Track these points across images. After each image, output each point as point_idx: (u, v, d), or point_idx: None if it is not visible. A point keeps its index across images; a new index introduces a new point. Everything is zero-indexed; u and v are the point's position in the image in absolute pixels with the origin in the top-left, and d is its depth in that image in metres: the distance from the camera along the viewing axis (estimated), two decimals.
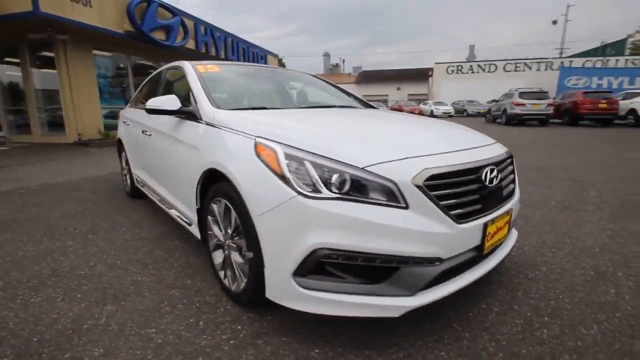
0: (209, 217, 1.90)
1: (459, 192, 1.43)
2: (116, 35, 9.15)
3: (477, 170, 1.52)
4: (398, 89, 36.05)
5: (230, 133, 1.74)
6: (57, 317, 1.70)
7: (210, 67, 2.58)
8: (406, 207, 1.32)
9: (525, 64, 26.08)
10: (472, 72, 26.51)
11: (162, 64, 11.57)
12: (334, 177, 1.33)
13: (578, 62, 25.48)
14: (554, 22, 38.29)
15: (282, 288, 1.43)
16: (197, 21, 11.86)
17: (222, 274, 1.89)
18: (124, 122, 3.71)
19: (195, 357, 1.41)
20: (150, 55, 11.26)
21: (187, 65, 2.56)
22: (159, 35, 10.20)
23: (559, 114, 15.38)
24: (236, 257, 1.71)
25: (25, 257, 2.41)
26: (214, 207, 1.82)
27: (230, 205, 1.65)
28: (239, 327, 1.60)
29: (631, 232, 2.71)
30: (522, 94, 14.99)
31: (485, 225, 1.50)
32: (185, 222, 2.31)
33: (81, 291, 1.95)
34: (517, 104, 14.80)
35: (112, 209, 3.50)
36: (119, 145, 3.99)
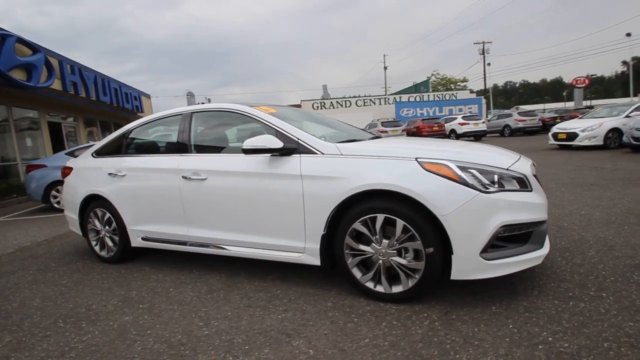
0: (347, 239, 2.15)
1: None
2: None
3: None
4: None
5: (377, 159, 2.11)
6: None
7: (269, 109, 2.76)
8: (531, 190, 2.04)
9: (370, 99, 32.11)
10: (333, 107, 30.78)
11: (12, 109, 9.26)
12: (495, 177, 1.94)
13: (405, 97, 33.00)
14: (385, 68, 48.39)
15: (471, 266, 1.90)
16: (63, 59, 10.06)
17: (370, 284, 2.15)
18: (110, 173, 3.20)
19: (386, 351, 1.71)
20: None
21: (253, 110, 2.67)
22: (19, 75, 8.24)
23: (408, 135, 19.71)
24: (399, 260, 2.04)
25: None
26: (362, 225, 2.10)
27: (393, 217, 2.00)
28: (426, 323, 1.95)
29: None
30: (383, 123, 18.61)
31: None
32: (287, 253, 2.40)
33: None
34: (381, 131, 18.24)
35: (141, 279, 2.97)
36: (84, 206, 3.37)
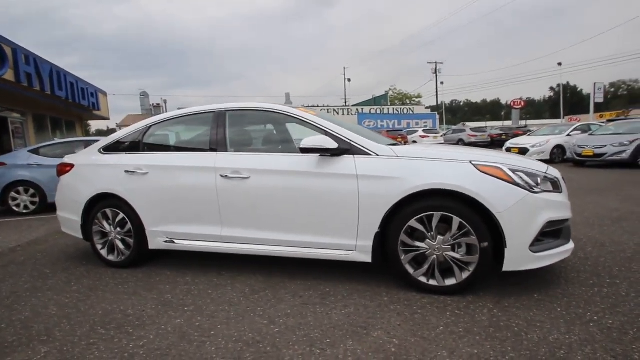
0: (402, 236, 2.28)
1: None
2: None
3: None
4: None
5: (433, 161, 2.28)
6: None
7: (309, 111, 2.83)
8: (561, 192, 2.34)
9: (334, 109, 32.93)
10: None
11: None
12: (538, 180, 2.21)
13: (366, 109, 34.34)
14: (350, 80, 49.89)
15: (521, 258, 2.13)
16: (17, 47, 9.03)
17: (423, 278, 2.29)
18: (127, 171, 3.01)
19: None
20: None
21: (299, 111, 2.72)
22: None
23: None
24: (454, 255, 2.22)
25: None
26: (418, 223, 2.24)
27: (450, 214, 2.18)
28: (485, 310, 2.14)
29: None
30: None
31: None
32: (335, 251, 2.47)
33: None
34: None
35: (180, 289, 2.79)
36: (89, 206, 3.12)
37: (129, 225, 3.04)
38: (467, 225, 2.16)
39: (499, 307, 2.08)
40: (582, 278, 2.43)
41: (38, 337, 2.04)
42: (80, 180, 3.28)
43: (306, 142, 2.39)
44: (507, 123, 42.85)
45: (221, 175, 2.70)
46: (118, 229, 3.10)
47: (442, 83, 39.38)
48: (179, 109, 3.42)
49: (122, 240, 3.10)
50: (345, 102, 48.14)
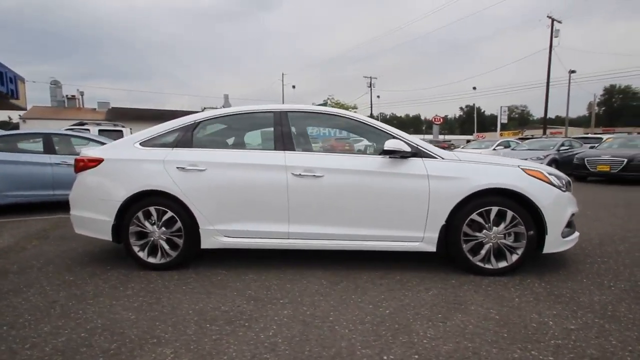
0: (465, 227, 2.71)
1: None
2: None
3: None
4: None
5: (488, 165, 2.75)
6: None
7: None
8: (571, 191, 3.02)
9: None
10: None
11: None
12: (564, 181, 2.83)
13: None
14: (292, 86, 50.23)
15: (555, 242, 2.71)
16: None
17: (480, 263, 2.74)
18: (180, 167, 2.89)
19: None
20: None
21: (368, 119, 3.00)
22: None
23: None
24: (506, 242, 2.71)
25: None
26: (478, 216, 2.69)
27: (504, 209, 2.67)
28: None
29: None
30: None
31: None
32: (404, 243, 2.79)
33: None
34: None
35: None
36: (127, 204, 2.90)
37: (178, 225, 2.91)
38: (518, 217, 2.67)
39: (546, 282, 2.62)
40: (580, 258, 3.15)
41: (144, 340, 1.93)
42: (114, 177, 3.01)
43: (389, 145, 2.67)
44: (428, 137, 48.30)
45: (293, 174, 2.81)
46: (163, 228, 2.93)
47: (378, 97, 42.32)
48: (222, 107, 3.37)
49: (168, 241, 2.95)
50: None
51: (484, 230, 2.72)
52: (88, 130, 9.16)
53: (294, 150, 2.93)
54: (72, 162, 3.34)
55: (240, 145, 3.21)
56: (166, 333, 1.99)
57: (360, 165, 2.83)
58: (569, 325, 2.02)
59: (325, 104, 43.51)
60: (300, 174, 2.80)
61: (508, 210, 2.68)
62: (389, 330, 1.98)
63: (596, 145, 11.46)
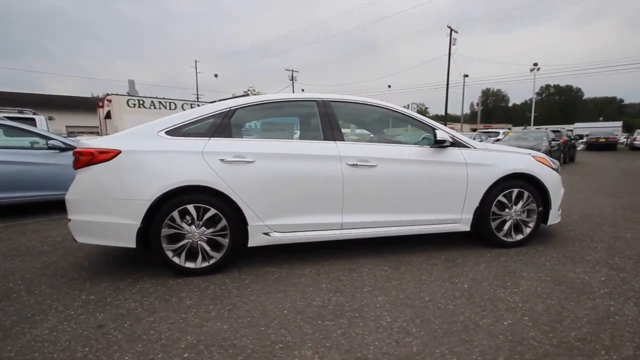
0: (494, 207, 3.11)
1: None
2: None
3: None
4: (50, 118, 27.67)
5: (509, 153, 3.18)
6: None
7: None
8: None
9: (198, 104, 30.56)
10: (155, 108, 26.86)
11: None
12: (557, 165, 3.45)
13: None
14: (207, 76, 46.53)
15: (555, 216, 3.30)
16: None
17: (504, 237, 3.18)
18: (223, 159, 2.60)
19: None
20: None
21: (411, 112, 3.13)
22: None
23: None
24: (523, 218, 3.20)
25: None
26: (505, 197, 3.12)
27: (523, 190, 3.15)
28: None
29: None
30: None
31: None
32: (445, 225, 3.06)
33: None
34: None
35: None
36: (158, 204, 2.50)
37: (222, 223, 2.63)
38: (532, 196, 3.18)
39: (560, 257, 3.15)
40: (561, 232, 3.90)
41: (269, 347, 1.76)
42: (138, 172, 2.54)
43: (440, 136, 2.88)
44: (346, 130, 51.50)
45: (348, 164, 2.80)
46: (203, 228, 2.61)
47: (302, 90, 42.58)
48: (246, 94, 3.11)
49: (209, 242, 2.64)
50: (197, 97, 45.21)
51: (506, 209, 3.16)
52: None
53: (343, 140, 2.91)
54: None
55: (282, 134, 3.03)
56: (285, 336, 1.85)
57: (409, 155, 2.97)
58: (599, 277, 2.54)
59: (247, 95, 42.01)
60: (355, 164, 2.81)
61: (525, 191, 3.16)
62: (484, 301, 2.19)
63: (496, 138, 13.93)
